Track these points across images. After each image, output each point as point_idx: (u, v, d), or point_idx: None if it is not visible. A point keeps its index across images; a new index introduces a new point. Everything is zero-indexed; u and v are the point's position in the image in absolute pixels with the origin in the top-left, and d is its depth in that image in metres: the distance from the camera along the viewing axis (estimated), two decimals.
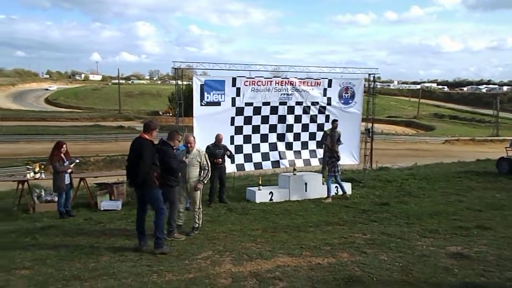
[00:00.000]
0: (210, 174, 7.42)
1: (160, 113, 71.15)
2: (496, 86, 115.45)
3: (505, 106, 75.05)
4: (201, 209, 7.40)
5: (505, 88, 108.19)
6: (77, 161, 9.15)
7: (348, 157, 12.55)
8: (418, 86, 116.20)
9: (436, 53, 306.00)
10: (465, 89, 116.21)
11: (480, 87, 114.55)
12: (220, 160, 9.66)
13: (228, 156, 9.96)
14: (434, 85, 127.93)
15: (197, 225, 7.30)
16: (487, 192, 11.34)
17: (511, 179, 13.19)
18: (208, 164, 7.30)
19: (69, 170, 8.76)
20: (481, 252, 6.16)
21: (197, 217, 7.28)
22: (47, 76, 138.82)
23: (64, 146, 8.74)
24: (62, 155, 8.61)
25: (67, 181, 8.68)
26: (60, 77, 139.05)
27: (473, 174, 14.58)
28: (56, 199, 8.98)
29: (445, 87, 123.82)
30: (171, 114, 54.22)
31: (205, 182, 7.41)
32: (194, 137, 7.78)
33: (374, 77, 12.80)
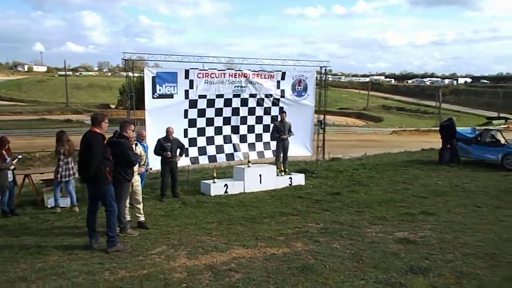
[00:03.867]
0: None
1: (111, 106, 69.00)
2: (439, 79, 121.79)
3: (447, 98, 79.27)
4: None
5: (446, 81, 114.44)
6: (20, 156, 8.66)
7: (301, 149, 12.81)
8: (368, 79, 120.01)
9: (382, 47, 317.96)
10: (410, 81, 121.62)
11: (424, 80, 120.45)
12: (169, 154, 9.50)
13: (180, 154, 9.82)
14: (382, 78, 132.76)
15: (143, 219, 7.25)
16: (431, 179, 11.99)
17: (452, 167, 14.01)
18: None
19: (12, 167, 8.29)
20: (426, 236, 6.52)
21: (142, 211, 7.27)
22: None
23: (7, 143, 8.24)
24: (4, 151, 8.11)
25: (10, 178, 8.20)
26: (1, 68, 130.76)
27: (418, 163, 15.35)
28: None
29: (392, 80, 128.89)
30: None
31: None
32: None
33: (325, 69, 13.08)
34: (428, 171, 13.46)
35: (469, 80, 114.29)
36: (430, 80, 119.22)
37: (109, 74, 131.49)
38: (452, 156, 14.82)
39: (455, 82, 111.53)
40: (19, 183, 9.15)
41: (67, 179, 8.60)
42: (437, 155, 16.09)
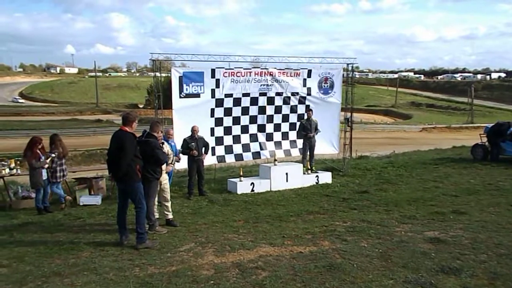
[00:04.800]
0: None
1: (140, 105, 70.37)
2: (471, 74, 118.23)
3: (479, 93, 77.02)
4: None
5: (479, 76, 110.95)
6: (53, 155, 8.96)
7: (328, 147, 12.70)
8: (396, 75, 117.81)
9: (411, 42, 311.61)
10: (440, 77, 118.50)
11: (455, 75, 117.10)
12: (196, 152, 9.60)
13: (205, 152, 9.92)
14: (411, 74, 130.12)
15: (172, 217, 7.36)
16: (462, 178, 11.66)
17: (485, 165, 13.58)
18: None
19: (46, 166, 8.58)
20: (457, 236, 6.34)
21: (170, 209, 7.38)
22: (21, 69, 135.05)
23: (41, 142, 8.54)
24: (38, 150, 8.41)
25: (44, 176, 8.50)
26: (35, 70, 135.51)
27: (449, 160, 14.96)
28: (33, 195, 8.80)
29: (422, 76, 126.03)
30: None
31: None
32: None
33: (352, 66, 12.91)
34: (459, 169, 13.09)
35: (503, 74, 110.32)
36: (461, 75, 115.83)
37: (137, 74, 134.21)
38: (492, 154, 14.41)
39: (488, 77, 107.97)
40: None
41: (60, 180, 8.85)
42: (468, 152, 15.68)
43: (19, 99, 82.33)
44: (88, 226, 7.30)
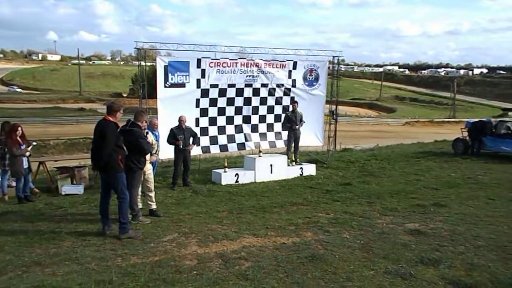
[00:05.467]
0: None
1: (124, 95, 69.52)
2: (454, 69, 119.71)
3: (461, 89, 78.28)
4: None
5: (461, 71, 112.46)
6: (34, 143, 8.81)
7: (312, 139, 12.77)
8: (381, 69, 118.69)
9: (396, 37, 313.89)
10: (424, 72, 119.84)
11: (439, 70, 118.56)
12: (181, 142, 9.54)
13: (193, 142, 9.87)
14: (396, 68, 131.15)
15: (155, 207, 7.33)
16: (443, 171, 11.88)
17: (466, 159, 13.88)
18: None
19: (27, 154, 8.44)
20: (437, 228, 6.48)
21: (154, 199, 7.36)
22: (1, 55, 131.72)
23: (20, 128, 8.36)
24: (18, 138, 8.25)
25: (25, 165, 8.36)
26: (16, 56, 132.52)
27: (431, 154, 15.23)
28: (14, 184, 8.64)
29: (406, 70, 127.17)
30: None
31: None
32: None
33: (338, 59, 12.96)
34: (440, 163, 13.34)
35: (485, 70, 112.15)
36: (444, 70, 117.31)
37: (122, 63, 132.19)
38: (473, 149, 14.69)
39: (470, 72, 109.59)
40: (34, 170, 9.31)
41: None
42: (450, 146, 15.96)
43: (16, 88, 78.71)
44: (70, 216, 7.22)
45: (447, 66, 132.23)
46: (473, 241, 5.87)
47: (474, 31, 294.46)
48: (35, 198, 8.56)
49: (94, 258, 5.16)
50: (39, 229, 6.42)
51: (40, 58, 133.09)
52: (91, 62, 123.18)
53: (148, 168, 7.27)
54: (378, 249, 5.52)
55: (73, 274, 4.68)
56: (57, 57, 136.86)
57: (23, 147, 8.30)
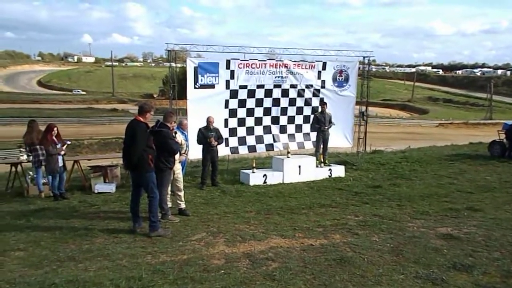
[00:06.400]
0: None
1: (154, 96, 70.87)
2: (491, 69, 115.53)
3: (499, 89, 75.39)
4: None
5: (499, 71, 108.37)
6: (69, 142, 9.11)
7: (342, 140, 12.63)
8: (413, 69, 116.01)
9: (429, 36, 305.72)
10: (459, 72, 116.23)
11: (474, 70, 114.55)
12: (213, 140, 9.68)
13: (218, 143, 9.97)
14: (429, 68, 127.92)
15: (184, 206, 7.42)
16: (478, 174, 11.48)
17: (503, 162, 13.35)
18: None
19: (62, 152, 8.74)
20: (470, 233, 6.26)
21: (183, 199, 7.45)
22: (39, 58, 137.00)
23: (55, 128, 8.68)
24: (54, 137, 8.56)
25: (60, 163, 8.66)
26: (53, 59, 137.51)
27: (465, 157, 14.73)
28: (49, 181, 8.97)
29: (440, 70, 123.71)
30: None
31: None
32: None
33: (369, 60, 12.76)
34: (475, 166, 12.89)
35: None
36: (481, 70, 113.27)
37: (153, 64, 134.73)
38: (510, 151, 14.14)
39: (508, 72, 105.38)
40: (69, 168, 9.63)
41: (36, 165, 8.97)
42: (486, 149, 15.41)
43: (80, 90, 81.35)
44: (103, 213, 7.43)
45: (483, 66, 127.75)
46: (510, 247, 5.64)
47: None
48: (70, 196, 8.85)
49: (125, 255, 5.29)
50: (73, 225, 6.64)
51: (75, 60, 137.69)
52: (123, 64, 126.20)
53: (178, 168, 7.38)
54: (409, 253, 5.39)
55: (105, 270, 4.82)
56: (92, 59, 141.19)
57: (58, 146, 8.60)
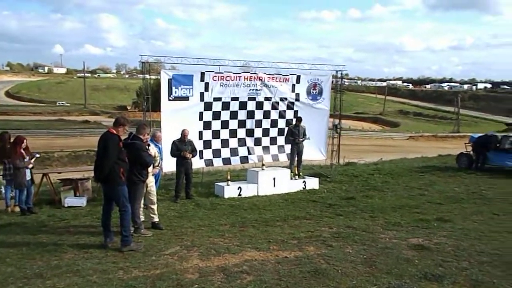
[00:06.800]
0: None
1: (128, 107, 69.98)
2: (458, 84, 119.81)
3: (465, 103, 78.04)
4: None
5: (465, 86, 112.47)
6: (38, 155, 8.86)
7: (316, 152, 12.76)
8: (384, 84, 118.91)
9: (399, 51, 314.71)
10: (428, 86, 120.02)
11: (442, 85, 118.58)
12: (187, 154, 9.62)
13: (192, 156, 9.90)
14: (400, 82, 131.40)
15: (157, 220, 7.32)
16: (447, 186, 11.81)
17: (470, 174, 13.80)
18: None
19: (30, 166, 8.48)
20: (440, 243, 6.42)
21: (156, 212, 7.34)
22: (8, 68, 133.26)
23: (25, 141, 8.43)
24: (22, 150, 8.30)
25: (28, 177, 8.39)
26: (22, 69, 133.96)
27: (435, 169, 15.16)
28: (16, 196, 8.66)
29: (410, 84, 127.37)
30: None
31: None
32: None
33: (341, 73, 13.02)
34: (444, 177, 13.27)
35: (489, 85, 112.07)
36: (448, 85, 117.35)
37: (127, 76, 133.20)
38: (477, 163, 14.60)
39: (474, 87, 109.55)
40: (37, 182, 9.34)
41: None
42: (454, 161, 15.89)
43: (64, 102, 78.31)
44: (72, 228, 7.21)
45: (450, 80, 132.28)
46: (478, 257, 5.80)
47: (478, 46, 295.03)
48: (38, 210, 8.56)
49: (95, 270, 5.14)
50: (41, 241, 6.42)
51: (46, 71, 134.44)
52: (96, 75, 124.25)
53: (151, 181, 7.28)
54: (381, 264, 5.47)
55: (74, 286, 4.67)
56: (63, 70, 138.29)
57: (26, 159, 8.34)
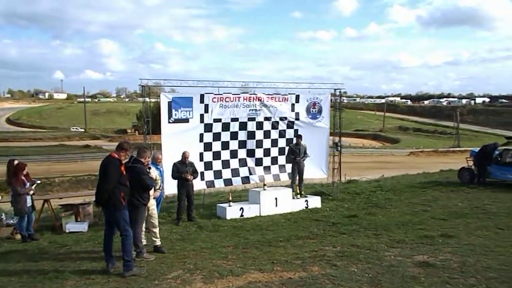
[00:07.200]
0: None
1: (128, 131, 70.22)
2: (456, 99, 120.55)
3: (464, 118, 78.33)
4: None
5: (464, 101, 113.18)
6: (38, 182, 8.86)
7: (317, 171, 12.74)
8: (383, 100, 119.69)
9: (397, 68, 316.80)
10: (426, 102, 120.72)
11: (441, 100, 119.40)
12: (189, 175, 9.61)
13: (193, 178, 9.89)
14: (398, 99, 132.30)
15: (160, 243, 7.25)
16: (450, 201, 11.74)
17: (473, 188, 13.72)
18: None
19: (31, 192, 8.46)
20: (446, 260, 6.34)
21: (158, 236, 7.28)
22: (9, 95, 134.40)
23: (26, 167, 8.43)
24: (23, 177, 8.30)
25: (28, 203, 8.35)
26: (23, 96, 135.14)
27: (437, 184, 15.08)
28: (17, 222, 8.61)
29: (408, 100, 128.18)
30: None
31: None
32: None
33: (340, 92, 13.11)
34: (447, 193, 13.20)
35: (487, 99, 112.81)
36: (447, 100, 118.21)
37: (127, 100, 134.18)
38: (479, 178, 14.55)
39: (472, 102, 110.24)
40: (38, 208, 9.30)
41: None
42: (456, 175, 15.85)
43: (78, 128, 77.85)
44: (74, 254, 7.15)
45: (449, 96, 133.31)
46: (484, 272, 5.73)
47: (474, 61, 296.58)
48: (39, 237, 8.50)
49: None
50: (42, 268, 6.35)
51: (46, 97, 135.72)
52: (96, 100, 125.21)
53: (152, 204, 7.25)
54: (387, 282, 5.40)
55: None
56: (64, 96, 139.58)
57: (27, 185, 8.33)
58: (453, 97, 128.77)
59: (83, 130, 75.64)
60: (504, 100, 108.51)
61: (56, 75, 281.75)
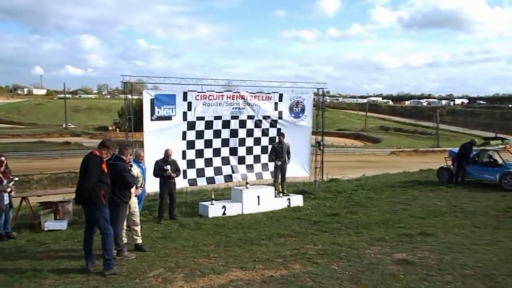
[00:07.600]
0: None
1: (110, 128, 69.21)
2: (436, 100, 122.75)
3: (444, 118, 79.84)
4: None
5: (443, 102, 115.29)
6: (16, 179, 8.66)
7: (299, 170, 12.82)
8: (365, 100, 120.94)
9: (378, 69, 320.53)
10: (407, 102, 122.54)
11: (421, 101, 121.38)
12: (170, 173, 9.55)
13: (176, 176, 9.83)
14: (380, 99, 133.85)
15: (141, 241, 7.20)
16: (429, 200, 11.97)
17: (451, 188, 14.04)
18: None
19: (9, 189, 8.27)
20: (424, 257, 6.48)
21: (139, 234, 7.22)
22: None
23: (4, 161, 8.23)
24: (0, 174, 8.10)
25: (6, 201, 8.16)
26: (1, 91, 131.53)
27: (416, 183, 15.36)
28: None
29: (390, 101, 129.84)
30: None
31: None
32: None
33: (323, 91, 13.21)
34: (426, 192, 13.46)
35: (465, 101, 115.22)
36: (427, 101, 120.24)
37: (109, 96, 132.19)
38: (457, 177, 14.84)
39: (451, 103, 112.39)
40: (16, 205, 9.10)
41: None
42: (435, 175, 16.15)
43: (69, 125, 74.64)
44: (53, 252, 7.03)
45: (429, 96, 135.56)
46: (460, 270, 5.88)
47: (453, 62, 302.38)
48: (17, 235, 8.33)
49: None
50: (19, 267, 6.23)
51: (25, 93, 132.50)
52: (77, 96, 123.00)
53: (133, 202, 7.18)
54: (367, 280, 5.48)
55: None
56: (43, 92, 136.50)
57: (4, 182, 8.14)
58: (433, 98, 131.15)
59: (74, 126, 73.77)
60: (482, 102, 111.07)
61: (35, 71, 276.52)
